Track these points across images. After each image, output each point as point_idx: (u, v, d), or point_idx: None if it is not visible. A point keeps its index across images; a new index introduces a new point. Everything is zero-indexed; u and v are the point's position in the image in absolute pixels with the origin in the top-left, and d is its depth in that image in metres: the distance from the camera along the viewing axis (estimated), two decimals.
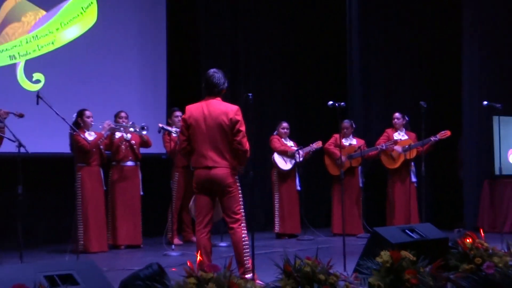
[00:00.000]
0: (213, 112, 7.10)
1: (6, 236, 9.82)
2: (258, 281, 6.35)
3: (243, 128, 7.13)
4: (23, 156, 8.05)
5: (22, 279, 4.49)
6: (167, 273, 5.99)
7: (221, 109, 7.13)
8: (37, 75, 11.17)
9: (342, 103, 8.70)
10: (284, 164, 11.78)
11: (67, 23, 11.58)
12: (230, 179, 7.13)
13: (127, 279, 6.00)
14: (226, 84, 7.27)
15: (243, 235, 7.18)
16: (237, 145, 7.09)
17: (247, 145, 7.13)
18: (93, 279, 4.85)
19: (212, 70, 7.27)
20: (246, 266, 7.13)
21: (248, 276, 6.85)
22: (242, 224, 7.21)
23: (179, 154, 10.75)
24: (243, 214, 7.27)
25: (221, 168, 7.09)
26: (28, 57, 11.17)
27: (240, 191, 7.24)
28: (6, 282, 4.43)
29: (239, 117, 7.12)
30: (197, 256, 6.11)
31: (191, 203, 7.46)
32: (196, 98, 12.23)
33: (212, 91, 7.21)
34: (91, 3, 11.87)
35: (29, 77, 11.11)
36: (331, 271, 5.65)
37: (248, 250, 7.19)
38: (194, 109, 7.23)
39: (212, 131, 7.08)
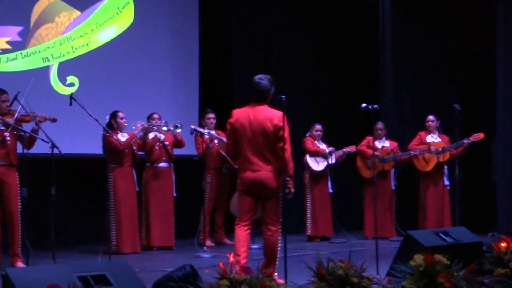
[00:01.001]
0: (259, 118, 7.18)
1: (40, 236, 9.90)
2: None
3: (286, 135, 7.16)
4: (56, 157, 8.09)
5: (56, 279, 4.53)
6: (199, 275, 6.01)
7: (266, 115, 7.20)
8: (71, 78, 11.13)
9: (376, 106, 8.62)
10: (316, 165, 11.75)
11: (103, 24, 11.51)
12: (275, 184, 7.19)
13: (160, 280, 6.04)
14: (272, 90, 7.34)
15: (279, 238, 7.30)
16: (279, 151, 7.13)
17: (289, 151, 7.15)
18: (126, 280, 4.88)
19: (257, 77, 7.33)
20: (276, 267, 7.25)
21: (275, 275, 6.95)
22: (280, 227, 7.31)
23: (211, 156, 10.79)
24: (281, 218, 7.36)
25: (265, 172, 7.15)
26: (62, 59, 11.12)
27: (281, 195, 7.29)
28: (40, 282, 4.47)
29: (283, 123, 7.15)
30: (229, 258, 6.12)
31: (233, 199, 7.54)
32: (228, 99, 12.24)
33: (258, 97, 7.28)
34: (128, 3, 11.78)
35: (62, 80, 11.10)
36: (364, 274, 5.65)
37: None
38: (240, 114, 7.31)
39: (257, 137, 7.15)
